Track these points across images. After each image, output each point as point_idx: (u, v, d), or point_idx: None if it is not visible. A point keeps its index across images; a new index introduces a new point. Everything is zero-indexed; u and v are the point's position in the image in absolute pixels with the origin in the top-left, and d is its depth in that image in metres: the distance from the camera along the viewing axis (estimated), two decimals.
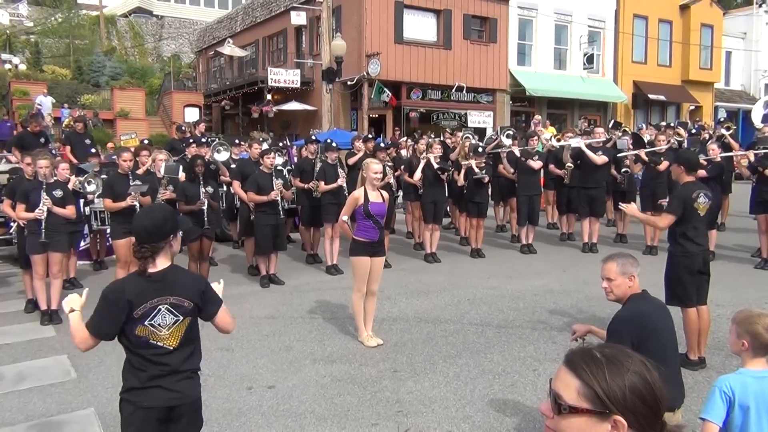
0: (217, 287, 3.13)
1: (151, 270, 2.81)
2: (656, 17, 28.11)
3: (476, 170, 9.85)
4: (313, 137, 11.01)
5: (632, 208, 5.80)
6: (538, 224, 10.91)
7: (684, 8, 28.79)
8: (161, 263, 2.84)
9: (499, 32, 23.90)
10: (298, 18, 22.55)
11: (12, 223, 8.14)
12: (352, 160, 10.35)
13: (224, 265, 9.89)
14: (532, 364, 5.52)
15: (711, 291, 5.68)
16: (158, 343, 2.82)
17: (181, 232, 3.03)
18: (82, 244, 9.66)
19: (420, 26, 22.52)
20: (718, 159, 9.41)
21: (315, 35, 23.10)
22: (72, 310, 2.91)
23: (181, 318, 2.85)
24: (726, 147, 10.78)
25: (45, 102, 22.26)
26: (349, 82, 21.24)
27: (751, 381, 2.73)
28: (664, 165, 9.67)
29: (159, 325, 2.80)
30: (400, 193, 11.94)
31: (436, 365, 5.52)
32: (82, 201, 8.86)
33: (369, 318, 6.20)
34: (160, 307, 2.80)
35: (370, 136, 12.80)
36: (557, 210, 12.23)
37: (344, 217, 6.18)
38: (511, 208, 11.53)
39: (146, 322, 2.79)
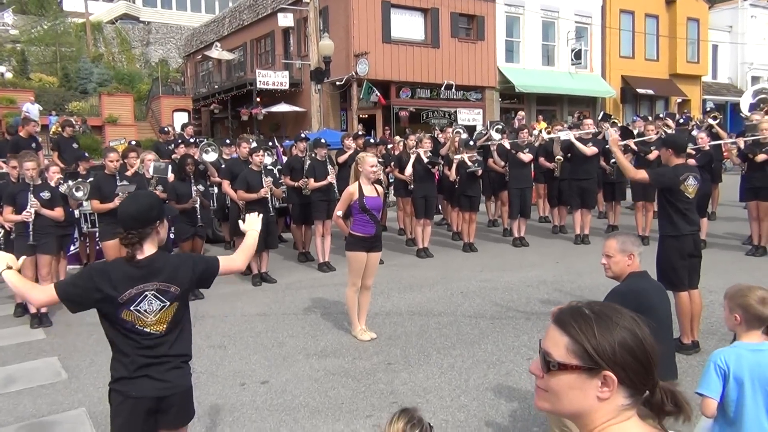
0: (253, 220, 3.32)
1: (138, 257, 2.79)
2: (642, 12, 28.22)
3: (469, 163, 9.83)
4: (303, 135, 10.95)
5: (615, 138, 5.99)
6: (530, 217, 10.93)
7: (670, 2, 28.91)
8: (148, 249, 2.82)
9: (487, 30, 23.92)
10: (286, 20, 22.49)
11: None
12: (342, 158, 10.30)
13: None
14: (526, 353, 5.50)
15: (703, 278, 5.68)
16: (145, 329, 2.78)
17: (168, 222, 2.99)
18: (72, 248, 9.58)
19: (407, 25, 22.51)
20: (707, 147, 9.49)
21: (302, 36, 23.04)
22: (8, 267, 2.81)
23: (168, 303, 2.82)
24: (715, 137, 10.83)
25: (32, 109, 22.04)
26: (337, 83, 21.18)
27: (746, 353, 2.71)
28: (653, 154, 9.70)
29: (145, 311, 2.76)
30: (391, 190, 11.92)
31: (430, 357, 5.50)
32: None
33: (362, 312, 6.16)
34: (146, 293, 2.76)
35: (360, 133, 12.79)
36: (548, 203, 12.26)
37: (338, 212, 6.15)
38: (502, 201, 11.53)
39: (132, 308, 2.75)
